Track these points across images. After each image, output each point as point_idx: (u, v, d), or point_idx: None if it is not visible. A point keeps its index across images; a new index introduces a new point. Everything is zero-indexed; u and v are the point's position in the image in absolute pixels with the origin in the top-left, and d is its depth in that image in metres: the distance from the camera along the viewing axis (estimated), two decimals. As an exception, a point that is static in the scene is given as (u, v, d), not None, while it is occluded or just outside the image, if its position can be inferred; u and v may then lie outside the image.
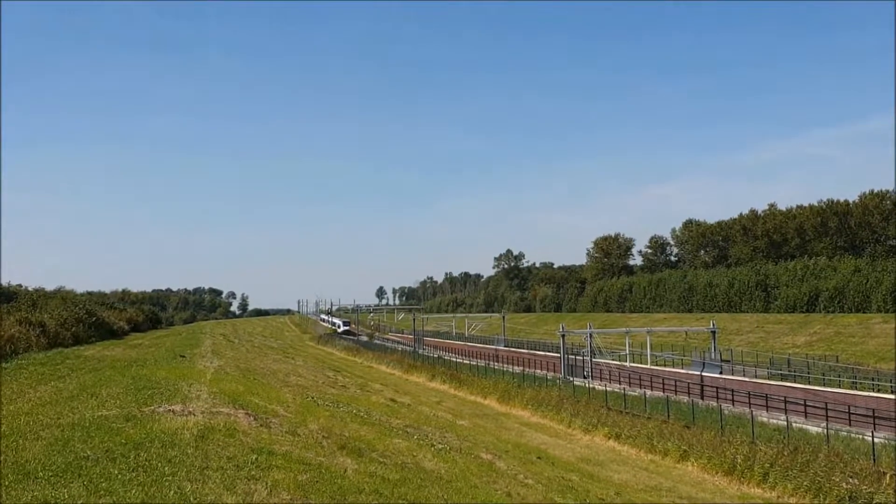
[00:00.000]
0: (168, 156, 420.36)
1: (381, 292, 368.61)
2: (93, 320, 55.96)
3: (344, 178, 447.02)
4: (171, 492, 6.97)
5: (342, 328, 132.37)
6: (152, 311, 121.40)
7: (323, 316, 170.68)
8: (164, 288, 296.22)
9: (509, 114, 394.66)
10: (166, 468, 7.82)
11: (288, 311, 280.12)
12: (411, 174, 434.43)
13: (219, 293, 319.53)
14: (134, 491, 6.87)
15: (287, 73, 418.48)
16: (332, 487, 8.60)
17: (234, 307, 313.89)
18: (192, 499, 6.88)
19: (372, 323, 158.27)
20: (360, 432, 15.24)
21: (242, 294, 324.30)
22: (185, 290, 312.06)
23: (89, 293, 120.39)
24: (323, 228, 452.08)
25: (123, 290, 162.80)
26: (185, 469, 7.95)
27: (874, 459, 24.95)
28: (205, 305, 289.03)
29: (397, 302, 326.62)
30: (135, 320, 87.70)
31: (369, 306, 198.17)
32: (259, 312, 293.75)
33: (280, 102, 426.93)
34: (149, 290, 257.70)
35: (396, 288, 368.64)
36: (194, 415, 12.14)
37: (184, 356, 32.35)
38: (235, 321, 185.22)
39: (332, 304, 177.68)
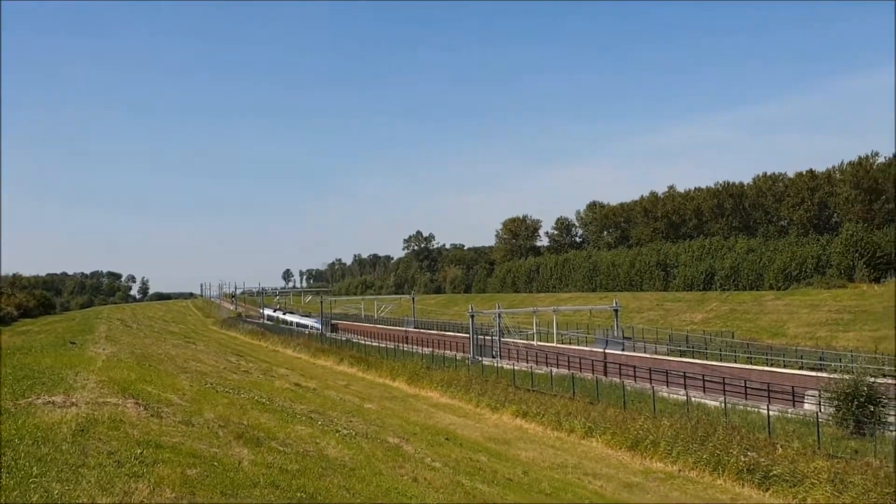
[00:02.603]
0: (61, 129, 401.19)
1: (287, 275, 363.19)
2: (-25, 307, 52.68)
3: (247, 158, 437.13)
4: (36, 495, 6.26)
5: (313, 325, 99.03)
6: (45, 297, 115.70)
7: (273, 313, 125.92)
8: (59, 272, 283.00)
9: (418, 96, 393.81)
10: (35, 468, 7.07)
11: (191, 295, 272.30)
12: (317, 155, 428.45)
13: (118, 277, 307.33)
14: (-7, 496, 6.16)
15: (191, 48, 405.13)
16: (223, 482, 8.02)
17: (135, 291, 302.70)
18: (59, 502, 6.20)
19: (278, 306, 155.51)
20: (261, 420, 14.60)
21: (143, 278, 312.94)
22: (82, 273, 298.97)
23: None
24: (226, 210, 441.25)
25: (14, 275, 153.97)
26: (56, 468, 7.22)
27: (769, 431, 25.90)
28: (103, 290, 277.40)
29: (304, 285, 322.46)
30: (25, 306, 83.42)
31: (275, 289, 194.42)
32: (161, 296, 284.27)
33: (188, 78, 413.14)
34: (42, 274, 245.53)
35: (304, 270, 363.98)
36: (77, 406, 11.26)
37: (74, 343, 30.65)
38: (135, 306, 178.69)
39: (236, 288, 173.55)
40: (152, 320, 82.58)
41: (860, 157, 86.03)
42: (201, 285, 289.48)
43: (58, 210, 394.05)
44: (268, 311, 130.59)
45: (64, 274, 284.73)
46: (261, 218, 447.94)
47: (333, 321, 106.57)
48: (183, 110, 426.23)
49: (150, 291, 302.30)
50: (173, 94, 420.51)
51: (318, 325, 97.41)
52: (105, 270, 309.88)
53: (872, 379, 30.23)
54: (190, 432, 11.06)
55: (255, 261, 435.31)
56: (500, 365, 50.26)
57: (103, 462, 7.78)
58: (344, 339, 77.30)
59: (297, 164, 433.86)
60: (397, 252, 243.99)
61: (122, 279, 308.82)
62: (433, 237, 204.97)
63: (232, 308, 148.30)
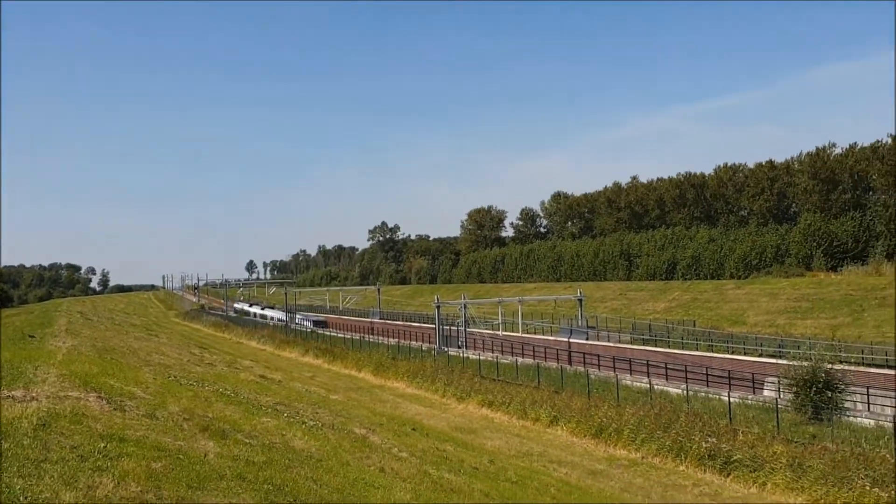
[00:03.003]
0: (19, 120, 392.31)
1: (251, 266, 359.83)
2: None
3: (208, 148, 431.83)
4: (-2, 491, 6.17)
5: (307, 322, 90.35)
6: (2, 289, 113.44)
7: (250, 308, 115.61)
8: (16, 264, 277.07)
9: (383, 87, 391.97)
10: (-5, 464, 6.95)
11: (153, 287, 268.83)
12: (280, 145, 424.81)
13: (77, 269, 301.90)
14: (-49, 493, 6.06)
15: (148, 38, 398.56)
16: (189, 474, 7.96)
17: (95, 283, 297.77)
18: (21, 498, 6.11)
19: (241, 298, 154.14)
20: (226, 412, 14.49)
21: (103, 270, 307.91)
22: (41, 265, 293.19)
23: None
24: (188, 200, 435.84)
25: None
26: (18, 464, 7.11)
27: (730, 418, 26.37)
28: (62, 282, 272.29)
29: (268, 276, 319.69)
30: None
31: (239, 281, 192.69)
32: (122, 289, 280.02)
33: (149, 67, 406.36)
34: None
35: (267, 262, 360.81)
36: (37, 400, 11.07)
37: (33, 336, 30.13)
38: (96, 298, 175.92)
39: (199, 280, 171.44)
40: (113, 313, 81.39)
41: (818, 148, 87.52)
42: (163, 277, 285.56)
43: (14, 200, 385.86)
44: (240, 306, 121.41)
45: (21, 266, 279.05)
46: (223, 208, 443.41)
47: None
48: (141, 100, 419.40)
49: (111, 284, 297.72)
50: (133, 82, 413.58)
51: (310, 323, 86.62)
52: (64, 262, 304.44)
53: (830, 365, 30.91)
54: (154, 425, 10.95)
55: (217, 252, 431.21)
56: (465, 355, 50.46)
57: (66, 456, 7.68)
58: (309, 329, 76.93)
59: (259, 155, 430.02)
60: (362, 243, 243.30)
61: (82, 271, 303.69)
62: (398, 228, 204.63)
63: (195, 300, 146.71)
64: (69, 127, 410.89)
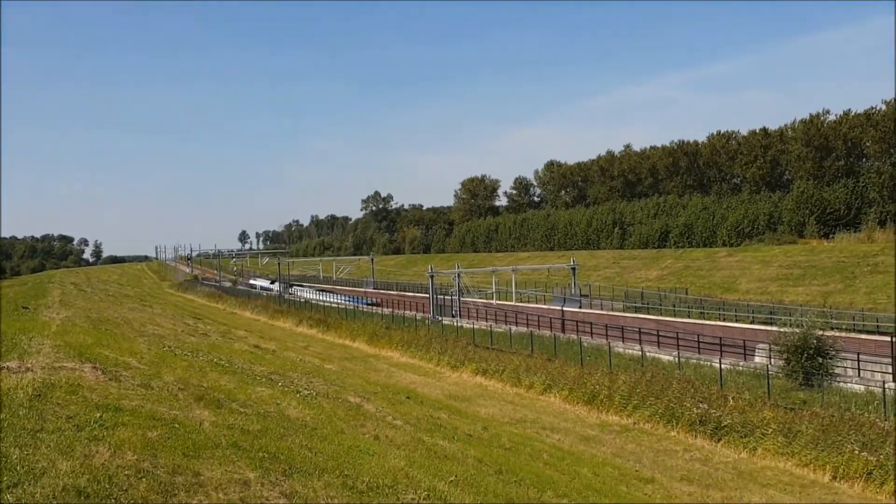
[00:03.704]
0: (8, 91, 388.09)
1: (244, 236, 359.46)
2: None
3: (201, 119, 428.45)
4: (-6, 461, 6.21)
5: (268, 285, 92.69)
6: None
7: (270, 284, 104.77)
8: (8, 236, 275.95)
9: (375, 57, 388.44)
10: (-9, 434, 6.99)
11: (146, 258, 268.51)
12: (272, 115, 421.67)
13: (70, 240, 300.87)
14: (-52, 463, 6.09)
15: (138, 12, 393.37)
16: (185, 443, 8.02)
17: (88, 255, 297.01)
18: (19, 468, 6.16)
19: (235, 268, 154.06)
20: (221, 382, 14.55)
21: (96, 241, 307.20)
22: (33, 237, 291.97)
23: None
24: (181, 170, 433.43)
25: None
26: (14, 434, 7.15)
27: (721, 384, 26.63)
28: (55, 253, 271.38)
29: (261, 246, 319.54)
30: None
31: (231, 251, 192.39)
32: (115, 260, 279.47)
33: (144, 40, 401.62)
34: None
35: (260, 232, 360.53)
36: (32, 371, 11.09)
37: (27, 308, 30.07)
38: (89, 269, 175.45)
39: (192, 250, 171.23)
40: (107, 284, 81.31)
41: (811, 115, 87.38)
42: (156, 248, 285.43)
43: (5, 172, 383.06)
44: (260, 282, 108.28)
45: (13, 238, 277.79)
46: (216, 179, 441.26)
47: (291, 282, 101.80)
48: (134, 71, 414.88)
49: (104, 255, 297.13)
50: (124, 54, 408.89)
51: (351, 301, 74.03)
52: (56, 234, 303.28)
53: (821, 332, 31.17)
54: (149, 395, 10.99)
55: (211, 223, 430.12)
56: (459, 324, 50.65)
57: (62, 426, 7.72)
58: (302, 300, 77.02)
59: (252, 125, 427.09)
60: (355, 213, 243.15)
61: (75, 242, 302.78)
62: (391, 197, 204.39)
63: (188, 271, 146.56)
64: (57, 96, 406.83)
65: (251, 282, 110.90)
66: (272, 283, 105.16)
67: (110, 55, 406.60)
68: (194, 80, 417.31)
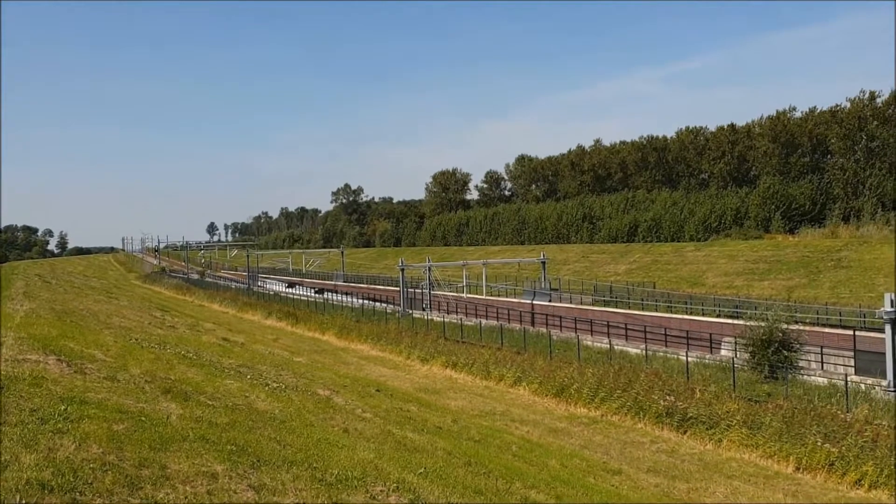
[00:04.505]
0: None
1: (212, 228, 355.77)
2: None
3: (169, 107, 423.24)
4: (-44, 454, 6.10)
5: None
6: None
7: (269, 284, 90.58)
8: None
9: (347, 50, 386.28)
10: (-48, 427, 6.86)
11: (112, 250, 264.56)
12: (242, 105, 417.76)
13: (34, 231, 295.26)
14: None
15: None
16: (151, 436, 7.93)
17: (52, 246, 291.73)
18: (-20, 461, 6.05)
19: (203, 260, 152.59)
20: (188, 374, 14.43)
21: (61, 232, 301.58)
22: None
23: None
24: (149, 161, 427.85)
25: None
26: (-25, 426, 7.03)
27: (688, 377, 26.95)
28: (18, 244, 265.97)
29: (230, 238, 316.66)
30: (-68, 262, 79.46)
31: (200, 243, 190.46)
32: (80, 251, 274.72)
33: (113, 32, 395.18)
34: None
35: (229, 224, 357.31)
36: (-6, 364, 10.91)
37: (-11, 300, 29.54)
38: (54, 261, 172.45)
39: (159, 242, 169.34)
40: (72, 276, 79.98)
41: (778, 112, 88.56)
42: (123, 239, 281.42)
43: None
44: (276, 286, 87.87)
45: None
46: (184, 169, 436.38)
47: (260, 275, 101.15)
48: (100, 62, 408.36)
49: (70, 246, 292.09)
50: (93, 47, 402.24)
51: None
52: (20, 224, 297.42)
53: (786, 326, 31.66)
54: (115, 388, 10.86)
55: (178, 214, 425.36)
56: (430, 317, 50.68)
57: (25, 419, 7.60)
58: (271, 292, 76.50)
59: (220, 116, 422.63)
60: (325, 205, 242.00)
61: (39, 233, 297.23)
62: (362, 190, 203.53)
63: (155, 262, 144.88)
64: (18, 83, 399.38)
65: (266, 285, 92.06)
66: (291, 286, 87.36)
67: (76, 45, 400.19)
68: (163, 70, 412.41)
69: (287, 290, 76.94)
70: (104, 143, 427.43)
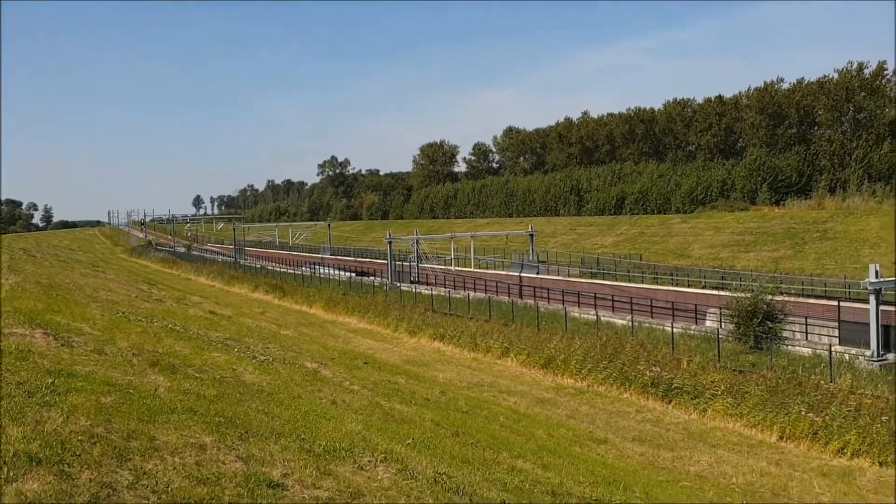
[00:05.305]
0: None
1: (198, 201, 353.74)
2: None
3: (158, 82, 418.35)
4: (-58, 427, 6.10)
5: None
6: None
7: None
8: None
9: (335, 22, 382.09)
10: (-62, 401, 6.86)
11: (98, 223, 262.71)
12: (227, 78, 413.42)
13: (18, 204, 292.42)
14: None
15: None
16: (139, 408, 7.95)
17: (37, 219, 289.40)
18: (-34, 434, 6.05)
19: (189, 234, 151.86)
20: (176, 347, 14.42)
21: (46, 205, 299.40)
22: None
23: None
24: (135, 134, 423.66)
25: None
26: (-38, 400, 7.02)
27: (673, 347, 27.20)
28: (2, 218, 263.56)
29: (216, 211, 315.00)
30: (-85, 236, 78.72)
31: (186, 216, 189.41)
32: (66, 225, 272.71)
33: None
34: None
35: (215, 197, 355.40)
36: (-20, 338, 10.87)
37: (-27, 274, 29.31)
38: (39, 234, 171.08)
39: (145, 215, 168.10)
40: (58, 249, 79.43)
41: (766, 83, 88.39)
42: (109, 213, 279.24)
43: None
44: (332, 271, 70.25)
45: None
46: (171, 143, 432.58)
47: (247, 248, 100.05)
48: (85, 35, 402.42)
49: (55, 220, 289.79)
50: (79, 21, 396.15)
51: None
52: (4, 198, 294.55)
53: (770, 297, 31.93)
54: (103, 361, 10.86)
55: (164, 187, 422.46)
56: (417, 290, 50.78)
57: (12, 392, 7.59)
58: (258, 266, 76.34)
59: (206, 88, 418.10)
60: (312, 178, 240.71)
61: (23, 207, 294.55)
62: (349, 162, 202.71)
63: (142, 236, 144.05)
64: (11, 59, 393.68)
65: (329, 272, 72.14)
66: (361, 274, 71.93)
67: (57, 20, 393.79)
68: (149, 43, 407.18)
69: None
70: (90, 117, 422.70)
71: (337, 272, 64.23)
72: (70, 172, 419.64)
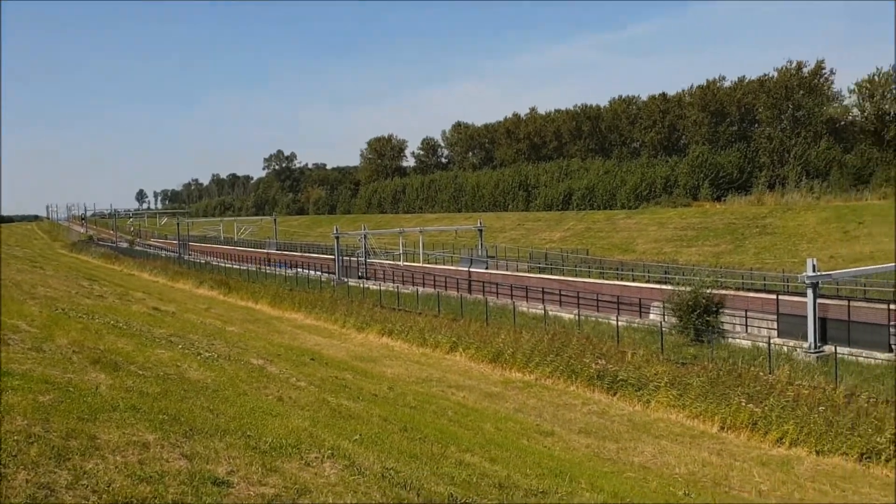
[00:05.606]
0: None
1: (141, 196, 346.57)
2: None
3: (97, 69, 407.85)
4: None
5: None
6: None
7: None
8: None
9: (282, 14, 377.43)
10: None
11: (36, 218, 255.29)
12: (169, 67, 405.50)
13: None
14: None
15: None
16: (80, 407, 7.77)
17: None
18: None
19: (132, 229, 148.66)
20: (118, 344, 14.12)
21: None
22: None
23: None
24: (74, 125, 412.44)
25: None
26: None
27: (618, 341, 27.64)
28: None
29: (160, 206, 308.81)
30: None
31: (128, 211, 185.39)
32: (1, 219, 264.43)
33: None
34: None
35: (158, 191, 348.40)
36: None
37: None
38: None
39: (86, 210, 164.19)
40: (-8, 245, 76.98)
41: (708, 81, 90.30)
42: (47, 207, 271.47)
43: None
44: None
45: None
46: (112, 134, 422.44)
47: (191, 243, 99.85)
48: (24, 18, 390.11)
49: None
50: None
51: None
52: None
53: (710, 290, 32.66)
54: (41, 359, 10.58)
55: (106, 181, 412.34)
56: (366, 286, 50.59)
57: (-57, 393, 7.36)
58: (203, 261, 75.15)
59: (147, 78, 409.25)
60: (258, 172, 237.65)
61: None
62: (295, 156, 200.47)
63: (82, 231, 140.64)
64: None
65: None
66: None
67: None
68: (86, 29, 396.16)
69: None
70: (25, 106, 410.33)
71: (283, 268, 63.70)
72: (4, 165, 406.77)
